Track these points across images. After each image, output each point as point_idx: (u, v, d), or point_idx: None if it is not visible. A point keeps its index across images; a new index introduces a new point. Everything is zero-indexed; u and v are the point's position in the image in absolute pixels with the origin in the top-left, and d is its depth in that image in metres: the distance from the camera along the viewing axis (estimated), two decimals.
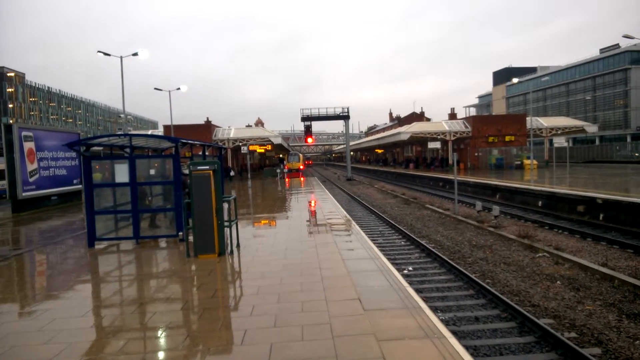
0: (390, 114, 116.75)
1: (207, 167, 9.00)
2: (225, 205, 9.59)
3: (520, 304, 8.48)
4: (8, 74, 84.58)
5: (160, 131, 54.22)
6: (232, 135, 48.76)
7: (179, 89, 44.58)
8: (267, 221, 14.55)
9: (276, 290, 6.68)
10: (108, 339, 5.23)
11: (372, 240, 11.94)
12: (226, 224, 9.47)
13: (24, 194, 18.85)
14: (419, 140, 57.06)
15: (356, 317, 5.47)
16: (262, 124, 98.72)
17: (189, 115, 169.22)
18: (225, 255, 9.17)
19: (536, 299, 8.74)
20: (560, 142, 38.56)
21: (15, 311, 6.49)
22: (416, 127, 52.09)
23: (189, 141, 12.74)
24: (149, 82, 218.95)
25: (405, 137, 50.67)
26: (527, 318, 7.43)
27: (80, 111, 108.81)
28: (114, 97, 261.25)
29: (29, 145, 19.25)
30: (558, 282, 9.75)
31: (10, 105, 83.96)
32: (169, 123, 44.93)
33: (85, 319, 5.95)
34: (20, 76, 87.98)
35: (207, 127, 48.66)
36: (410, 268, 11.56)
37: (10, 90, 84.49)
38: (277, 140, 48.88)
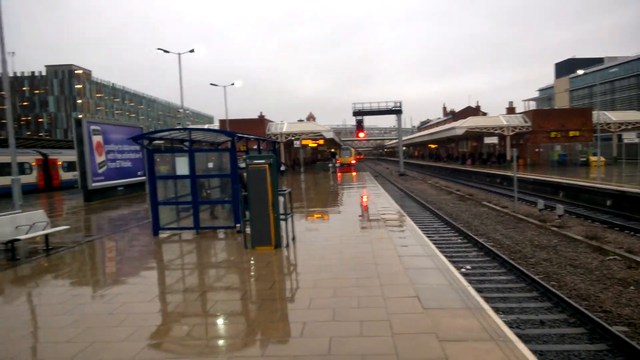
0: (444, 108, 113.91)
1: (264, 161, 9.13)
2: (281, 199, 9.70)
3: (590, 309, 8.01)
4: (76, 72, 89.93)
5: (216, 125, 55.83)
6: (284, 129, 49.36)
7: (233, 84, 45.67)
8: (320, 215, 14.60)
9: (332, 285, 6.67)
10: (173, 324, 5.43)
11: (427, 237, 11.68)
12: (282, 217, 9.58)
13: (93, 184, 20.02)
14: (475, 135, 55.33)
15: (415, 315, 5.36)
16: (314, 119, 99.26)
17: (242, 110, 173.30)
18: (282, 247, 9.28)
19: (607, 304, 8.23)
20: (630, 137, 36.06)
21: (89, 294, 6.88)
22: (472, 122, 50.52)
23: (245, 135, 12.98)
24: (205, 78, 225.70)
25: (460, 132, 49.30)
26: (597, 324, 7.01)
27: (142, 106, 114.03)
28: (172, 93, 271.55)
29: (97, 139, 20.38)
30: (632, 287, 9.12)
31: (79, 101, 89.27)
32: (224, 117, 46.17)
33: (151, 304, 6.22)
34: (88, 73, 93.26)
35: (261, 122, 49.54)
36: (468, 267, 11.24)
37: (78, 86, 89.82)
38: (329, 135, 48.98)
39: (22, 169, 27.89)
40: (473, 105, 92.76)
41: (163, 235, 11.40)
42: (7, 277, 8.07)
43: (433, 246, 9.33)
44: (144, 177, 23.98)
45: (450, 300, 5.88)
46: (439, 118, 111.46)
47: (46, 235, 10.18)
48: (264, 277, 7.33)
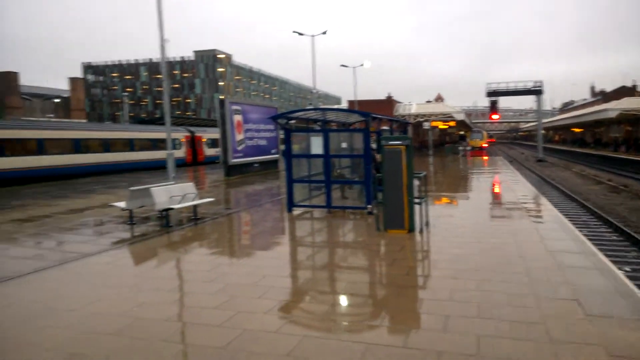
0: (592, 88, 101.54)
1: (400, 142, 8.87)
2: (416, 182, 9.35)
3: None
4: (219, 56, 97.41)
5: (344, 106, 56.65)
6: (413, 110, 48.24)
7: (362, 65, 45.66)
8: (452, 200, 13.91)
9: (474, 277, 6.22)
10: (312, 302, 5.52)
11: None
12: (416, 200, 9.25)
13: (233, 160, 21.62)
14: (630, 119, 48.26)
15: (576, 322, 4.72)
16: (442, 100, 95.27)
17: (370, 91, 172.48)
18: (415, 232, 8.98)
19: None
20: None
21: (233, 264, 7.37)
22: (627, 103, 44.29)
23: (379, 116, 12.78)
24: (336, 60, 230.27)
25: (612, 114, 43.54)
26: None
27: (275, 88, 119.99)
28: (303, 75, 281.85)
29: (237, 118, 21.86)
30: None
31: (221, 84, 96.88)
32: (351, 98, 46.57)
33: (289, 279, 6.43)
34: (229, 57, 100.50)
35: (389, 103, 49.01)
36: (627, 268, 9.83)
37: (220, 70, 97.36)
38: (460, 117, 46.72)
39: (174, 144, 31.21)
40: (629, 84, 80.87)
41: (296, 212, 11.80)
42: (162, 242, 9.02)
43: (589, 242, 8.25)
44: (277, 155, 25.27)
45: (618, 308, 5.08)
46: (585, 99, 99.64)
47: (194, 206, 11.15)
48: (399, 262, 7.14)
